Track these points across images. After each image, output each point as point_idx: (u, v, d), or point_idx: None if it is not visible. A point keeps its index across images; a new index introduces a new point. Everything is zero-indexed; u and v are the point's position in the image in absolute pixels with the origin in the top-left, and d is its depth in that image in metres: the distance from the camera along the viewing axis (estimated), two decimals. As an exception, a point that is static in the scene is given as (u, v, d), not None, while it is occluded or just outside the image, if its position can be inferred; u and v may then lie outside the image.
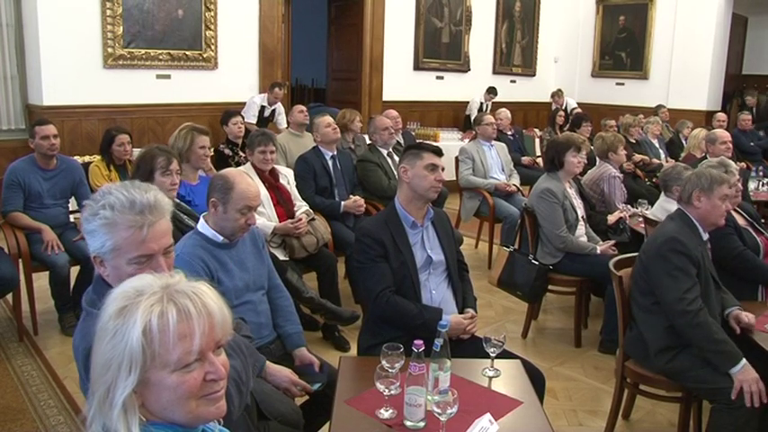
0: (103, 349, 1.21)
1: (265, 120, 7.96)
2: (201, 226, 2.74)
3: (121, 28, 7.13)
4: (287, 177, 4.64)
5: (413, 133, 8.70)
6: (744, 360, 2.70)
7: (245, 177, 2.81)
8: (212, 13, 7.81)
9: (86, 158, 6.10)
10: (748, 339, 2.89)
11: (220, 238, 2.72)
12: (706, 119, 10.14)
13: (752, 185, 6.53)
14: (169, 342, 1.20)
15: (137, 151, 4.23)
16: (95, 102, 7.10)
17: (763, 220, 4.62)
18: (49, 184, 4.45)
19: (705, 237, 3.08)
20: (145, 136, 7.29)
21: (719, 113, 9.32)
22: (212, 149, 6.40)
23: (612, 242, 4.48)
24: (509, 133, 8.23)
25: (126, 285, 1.27)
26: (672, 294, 2.82)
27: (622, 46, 11.97)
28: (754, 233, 3.73)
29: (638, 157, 7.50)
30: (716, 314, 2.92)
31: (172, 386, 1.22)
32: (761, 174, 6.96)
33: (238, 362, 1.77)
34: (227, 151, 6.21)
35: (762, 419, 2.72)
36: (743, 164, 7.63)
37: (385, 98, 9.77)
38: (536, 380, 2.56)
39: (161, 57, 7.50)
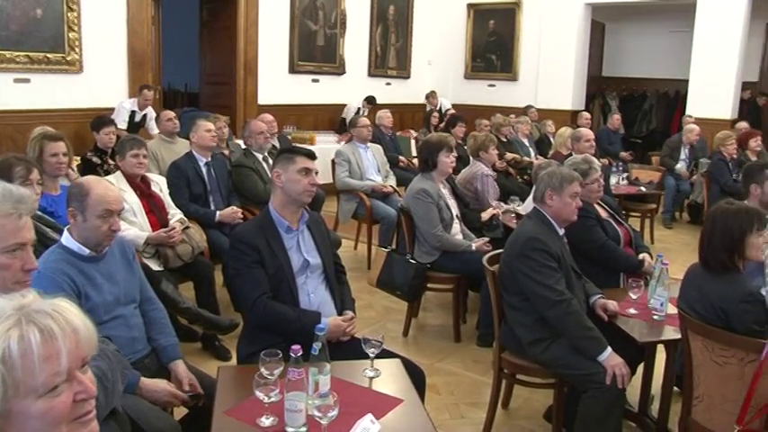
0: None
1: (136, 125, 7.65)
2: (66, 239, 2.58)
3: (-29, 27, 6.65)
4: (159, 185, 4.47)
5: (289, 137, 8.62)
6: (609, 347, 2.86)
7: (102, 182, 2.68)
8: (75, 14, 7.40)
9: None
10: (609, 328, 3.06)
11: (86, 251, 2.57)
12: (571, 118, 10.68)
13: (613, 180, 6.95)
14: (34, 366, 1.12)
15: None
16: (-56, 108, 6.59)
17: (623, 212, 4.92)
18: None
19: (561, 232, 3.25)
20: (2, 144, 6.79)
21: (584, 113, 9.86)
22: (79, 158, 6.10)
23: (487, 239, 4.61)
24: (389, 135, 8.34)
25: None
26: (542, 290, 2.96)
27: (493, 49, 12.35)
28: (615, 224, 3.96)
29: (509, 155, 7.79)
30: (581, 303, 3.09)
31: (39, 414, 1.13)
32: (621, 169, 7.43)
33: (103, 363, 1.72)
34: (94, 159, 5.91)
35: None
36: (605, 160, 8.10)
37: (260, 102, 9.62)
38: (416, 377, 2.61)
39: (18, 59, 7.01)
